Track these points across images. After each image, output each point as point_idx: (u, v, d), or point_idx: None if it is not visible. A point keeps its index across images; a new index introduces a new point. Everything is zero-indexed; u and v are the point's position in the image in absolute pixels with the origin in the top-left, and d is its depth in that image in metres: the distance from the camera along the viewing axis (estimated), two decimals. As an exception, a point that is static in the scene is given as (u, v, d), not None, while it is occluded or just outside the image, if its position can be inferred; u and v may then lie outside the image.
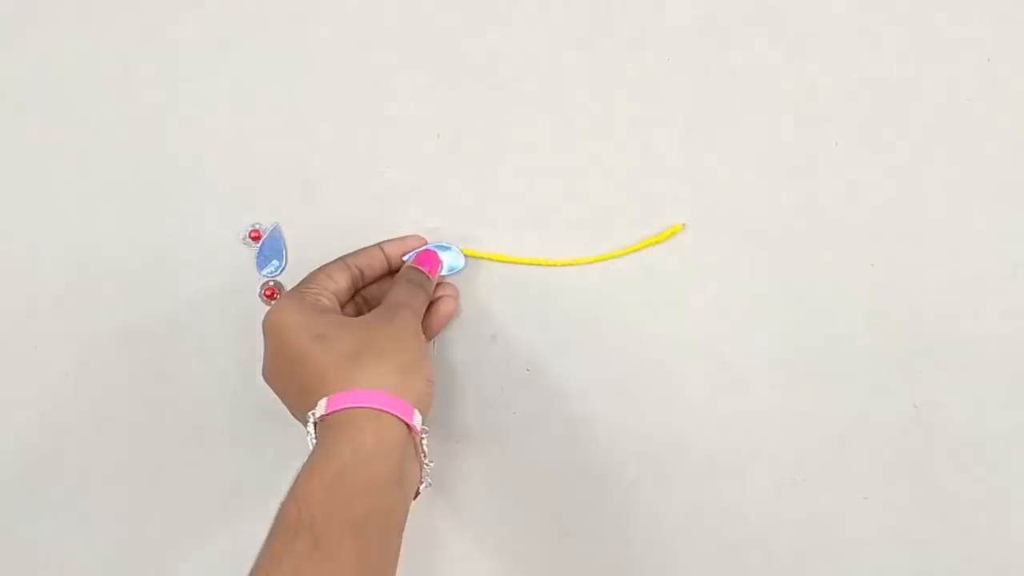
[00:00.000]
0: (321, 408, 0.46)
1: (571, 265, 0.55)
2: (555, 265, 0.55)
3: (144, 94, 0.57)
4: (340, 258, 0.54)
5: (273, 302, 0.55)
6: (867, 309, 0.55)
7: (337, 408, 0.46)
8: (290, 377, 0.49)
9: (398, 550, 0.45)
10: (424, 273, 0.54)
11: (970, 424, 0.54)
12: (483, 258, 0.55)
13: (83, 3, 0.57)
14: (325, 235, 0.56)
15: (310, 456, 0.45)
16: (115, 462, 0.55)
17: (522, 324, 0.55)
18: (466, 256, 0.55)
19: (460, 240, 0.55)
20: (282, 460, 0.55)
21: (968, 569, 0.54)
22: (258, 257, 0.56)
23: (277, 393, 0.51)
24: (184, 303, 0.56)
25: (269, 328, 0.50)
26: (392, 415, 0.46)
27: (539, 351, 0.55)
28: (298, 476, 0.44)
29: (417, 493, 0.48)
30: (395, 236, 0.55)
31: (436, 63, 0.56)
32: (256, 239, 0.55)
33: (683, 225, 0.55)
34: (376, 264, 0.54)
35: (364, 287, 0.55)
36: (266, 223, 0.56)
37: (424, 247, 0.55)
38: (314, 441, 0.46)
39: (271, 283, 0.56)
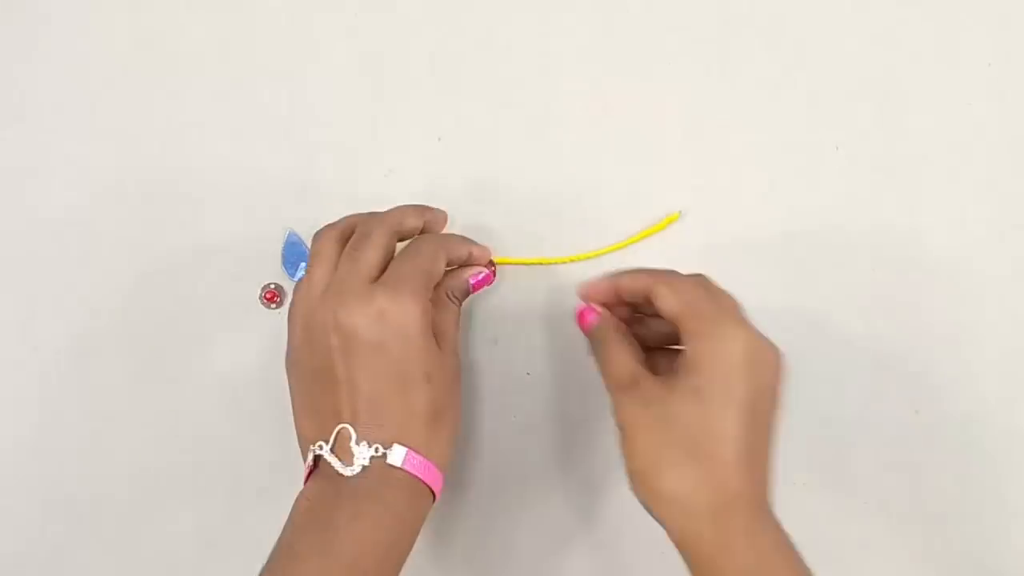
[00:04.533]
0: (396, 458, 0.44)
1: (572, 261, 0.55)
2: (556, 263, 0.55)
3: (144, 94, 0.57)
4: (440, 244, 0.49)
5: (398, 286, 0.45)
6: (867, 312, 0.55)
7: (411, 471, 0.44)
8: (369, 383, 0.45)
9: None
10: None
11: (970, 427, 0.55)
12: (484, 261, 0.55)
13: (83, 5, 0.57)
14: (326, 237, 0.56)
15: (371, 500, 0.43)
16: (115, 463, 0.55)
17: (523, 328, 0.55)
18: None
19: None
20: (282, 462, 0.55)
21: (968, 571, 0.54)
22: (285, 265, 0.55)
23: (311, 379, 0.47)
24: (184, 304, 0.56)
25: (391, 323, 0.45)
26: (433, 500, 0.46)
27: (540, 355, 0.55)
28: (354, 518, 0.43)
29: None
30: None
31: (436, 65, 0.56)
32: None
33: (679, 213, 0.55)
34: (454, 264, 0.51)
35: None
36: (268, 225, 0.56)
37: (485, 270, 0.53)
38: (359, 469, 0.44)
39: (272, 285, 0.55)
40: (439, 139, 0.56)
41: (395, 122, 0.56)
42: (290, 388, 0.49)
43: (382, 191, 0.56)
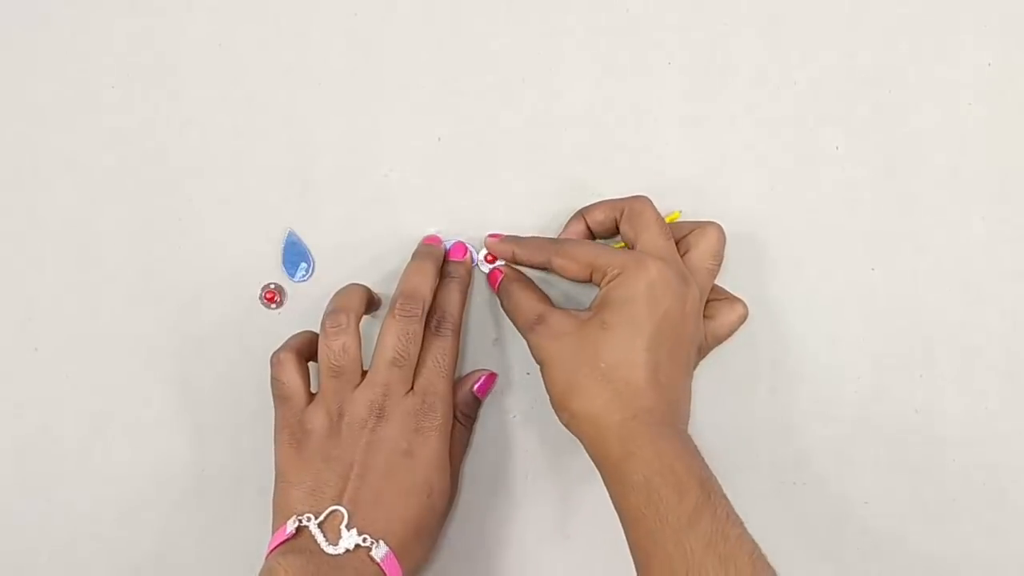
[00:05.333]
0: (379, 553, 0.46)
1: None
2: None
3: (145, 96, 0.57)
4: (455, 339, 0.52)
5: (436, 406, 0.50)
6: (867, 312, 0.55)
7: (385, 569, 0.46)
8: (380, 479, 0.48)
9: None
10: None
11: (970, 428, 0.55)
12: (484, 261, 0.55)
13: (83, 5, 0.57)
14: (325, 239, 0.56)
15: None
16: (115, 463, 0.55)
17: (523, 327, 0.55)
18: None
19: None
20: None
21: (968, 571, 0.54)
22: (285, 265, 0.55)
23: (321, 460, 0.49)
24: (184, 304, 0.56)
25: (423, 439, 0.49)
26: None
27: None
28: None
29: None
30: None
31: (436, 66, 0.56)
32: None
33: (679, 212, 0.55)
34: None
35: None
36: (268, 225, 0.56)
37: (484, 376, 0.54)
38: (342, 551, 0.45)
39: (272, 285, 0.55)
40: (439, 139, 0.56)
41: (395, 122, 0.56)
42: (285, 458, 0.49)
43: (382, 191, 0.56)
